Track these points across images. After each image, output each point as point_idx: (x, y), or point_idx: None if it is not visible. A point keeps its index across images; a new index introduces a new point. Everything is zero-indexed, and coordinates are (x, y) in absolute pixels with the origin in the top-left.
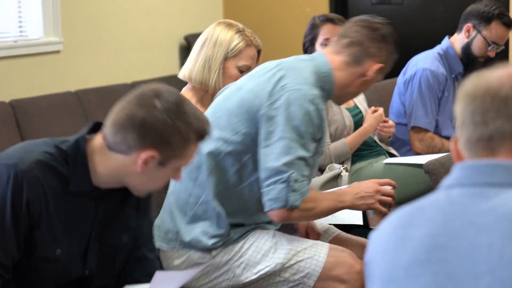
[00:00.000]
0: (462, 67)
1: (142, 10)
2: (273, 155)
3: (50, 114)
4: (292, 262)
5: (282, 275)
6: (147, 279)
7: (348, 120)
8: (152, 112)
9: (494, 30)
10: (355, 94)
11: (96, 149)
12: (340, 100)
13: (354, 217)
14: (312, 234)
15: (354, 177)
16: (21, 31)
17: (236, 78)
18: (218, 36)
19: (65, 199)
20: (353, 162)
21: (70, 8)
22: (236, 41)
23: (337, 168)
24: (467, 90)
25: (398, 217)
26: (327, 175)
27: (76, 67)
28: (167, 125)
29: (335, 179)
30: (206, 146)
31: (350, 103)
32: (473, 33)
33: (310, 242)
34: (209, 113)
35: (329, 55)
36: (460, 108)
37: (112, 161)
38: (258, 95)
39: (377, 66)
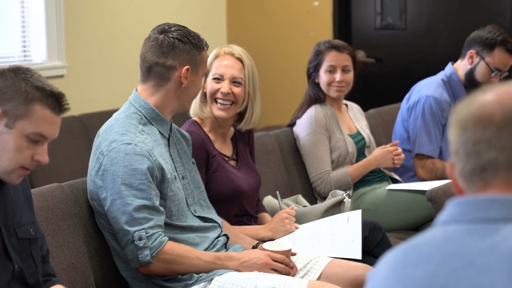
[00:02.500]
0: (465, 94)
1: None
2: (114, 218)
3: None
4: None
5: None
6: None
7: (351, 147)
8: None
9: (497, 56)
10: (189, 101)
11: None
12: (185, 109)
13: (353, 251)
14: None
15: (357, 203)
16: (25, 55)
17: (213, 87)
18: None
19: None
20: (356, 188)
21: (74, 33)
22: (208, 61)
23: (339, 194)
24: (459, 117)
25: (394, 256)
26: (329, 201)
27: (79, 92)
28: (5, 82)
29: (338, 206)
30: None
31: (353, 129)
32: (476, 59)
33: (289, 279)
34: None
35: (139, 88)
36: (452, 136)
37: None
38: (90, 173)
39: (184, 71)
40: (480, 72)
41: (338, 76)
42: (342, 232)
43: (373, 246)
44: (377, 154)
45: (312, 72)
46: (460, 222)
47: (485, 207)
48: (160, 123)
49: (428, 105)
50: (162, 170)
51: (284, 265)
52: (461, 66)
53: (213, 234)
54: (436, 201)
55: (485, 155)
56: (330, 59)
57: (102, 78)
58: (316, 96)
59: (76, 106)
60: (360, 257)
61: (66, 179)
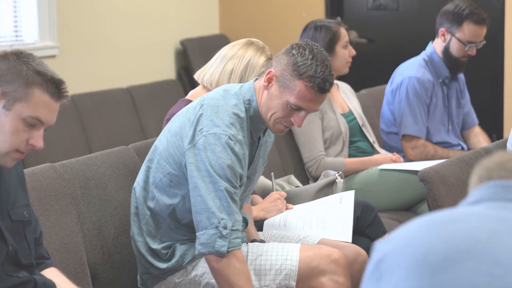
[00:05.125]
0: (448, 71)
1: (138, 15)
2: (201, 197)
3: None
4: (267, 267)
5: (262, 283)
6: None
7: (344, 126)
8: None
9: (467, 30)
10: (271, 110)
11: None
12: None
13: (344, 234)
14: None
15: (349, 183)
16: (16, 36)
17: None
18: (250, 58)
19: None
20: None
21: (66, 13)
22: (264, 68)
23: (332, 174)
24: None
25: (419, 222)
26: (322, 181)
27: (71, 72)
28: (7, 64)
29: (330, 186)
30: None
31: (345, 109)
32: (448, 36)
33: (280, 245)
34: (148, 155)
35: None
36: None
37: None
38: (181, 138)
39: (267, 74)
40: (455, 47)
41: (352, 50)
42: (334, 214)
43: (365, 226)
44: (378, 158)
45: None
46: (493, 201)
47: None
48: (256, 125)
49: (411, 86)
50: (241, 177)
51: None
52: (437, 45)
53: None
54: (428, 181)
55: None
56: (344, 35)
57: (94, 58)
58: None
59: (68, 87)
60: (350, 240)
61: (58, 159)
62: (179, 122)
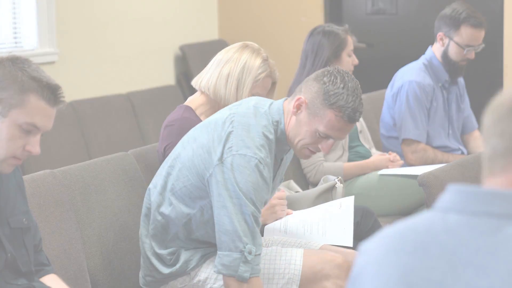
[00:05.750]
0: (447, 75)
1: (138, 21)
2: (229, 218)
3: None
4: (270, 271)
5: (265, 286)
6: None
7: None
8: None
9: (465, 34)
10: (299, 137)
11: None
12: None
13: (344, 238)
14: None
15: (349, 188)
16: (16, 42)
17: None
18: (246, 60)
19: None
20: None
21: (65, 19)
22: (261, 69)
23: (331, 179)
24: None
25: (390, 238)
26: (321, 187)
27: (71, 78)
28: (2, 70)
29: (330, 191)
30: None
31: None
32: (446, 40)
33: (284, 249)
34: (169, 160)
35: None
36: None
37: None
38: (208, 151)
39: (296, 100)
40: (453, 51)
41: (355, 59)
42: (334, 219)
43: (365, 231)
44: (375, 160)
45: (330, 58)
46: (461, 213)
47: (488, 201)
48: (282, 147)
49: (412, 90)
50: (265, 202)
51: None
52: (436, 49)
53: None
54: (427, 186)
55: (488, 142)
56: (350, 43)
57: (93, 64)
58: None
59: (67, 93)
60: (351, 245)
61: (57, 165)
62: (207, 135)
